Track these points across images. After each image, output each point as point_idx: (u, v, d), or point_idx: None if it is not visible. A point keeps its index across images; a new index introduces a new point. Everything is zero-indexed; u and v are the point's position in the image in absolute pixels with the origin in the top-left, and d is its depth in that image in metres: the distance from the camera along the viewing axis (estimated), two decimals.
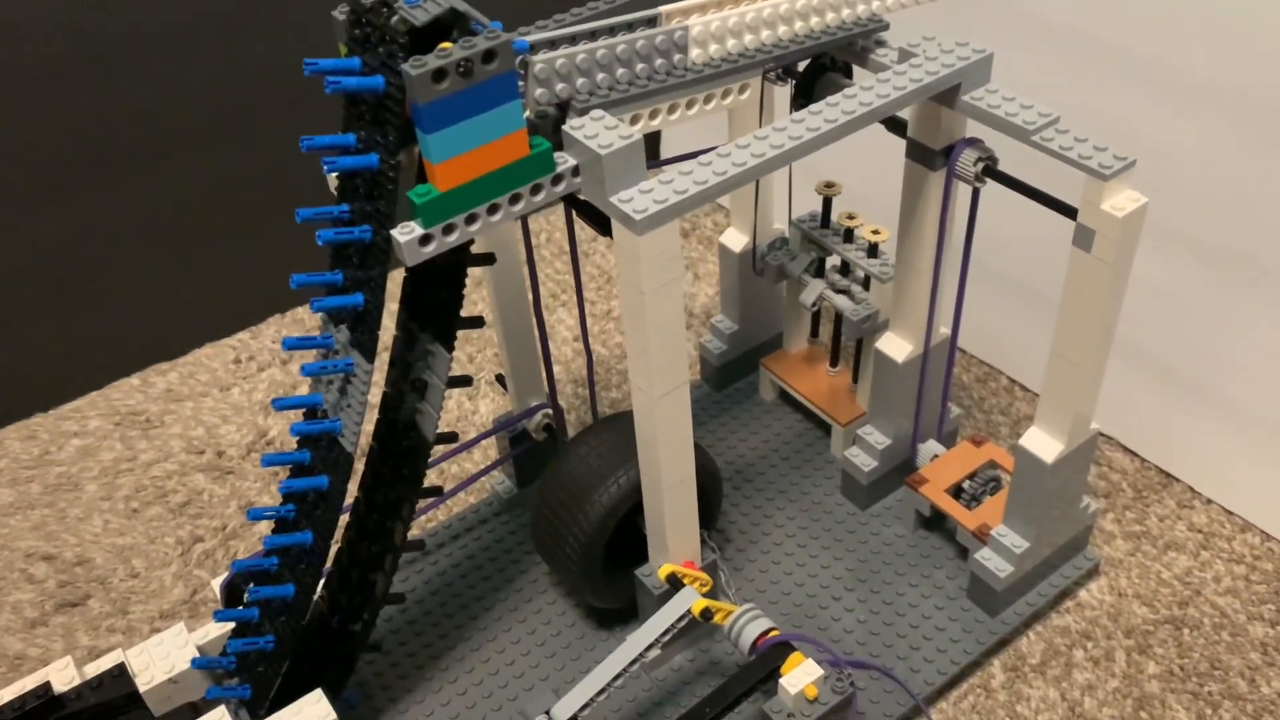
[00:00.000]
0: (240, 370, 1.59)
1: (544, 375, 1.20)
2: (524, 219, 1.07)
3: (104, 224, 1.91)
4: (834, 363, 1.35)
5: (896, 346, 1.16)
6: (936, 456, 1.23)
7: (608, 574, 1.11)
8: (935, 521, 1.23)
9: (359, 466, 0.97)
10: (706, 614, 1.00)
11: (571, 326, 1.61)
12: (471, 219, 0.81)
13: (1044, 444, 1.05)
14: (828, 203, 1.23)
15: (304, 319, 1.68)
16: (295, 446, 0.94)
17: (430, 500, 1.25)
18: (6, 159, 1.89)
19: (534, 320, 1.19)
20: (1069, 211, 0.93)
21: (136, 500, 1.40)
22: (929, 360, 1.16)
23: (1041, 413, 1.05)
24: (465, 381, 0.95)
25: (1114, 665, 1.13)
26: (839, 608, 1.17)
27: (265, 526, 1.36)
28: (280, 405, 0.91)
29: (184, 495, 1.40)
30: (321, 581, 1.02)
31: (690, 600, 1.00)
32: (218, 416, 1.52)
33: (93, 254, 1.86)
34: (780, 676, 0.96)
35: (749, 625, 1.00)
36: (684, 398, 0.94)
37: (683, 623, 1.00)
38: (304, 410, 0.93)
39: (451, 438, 0.96)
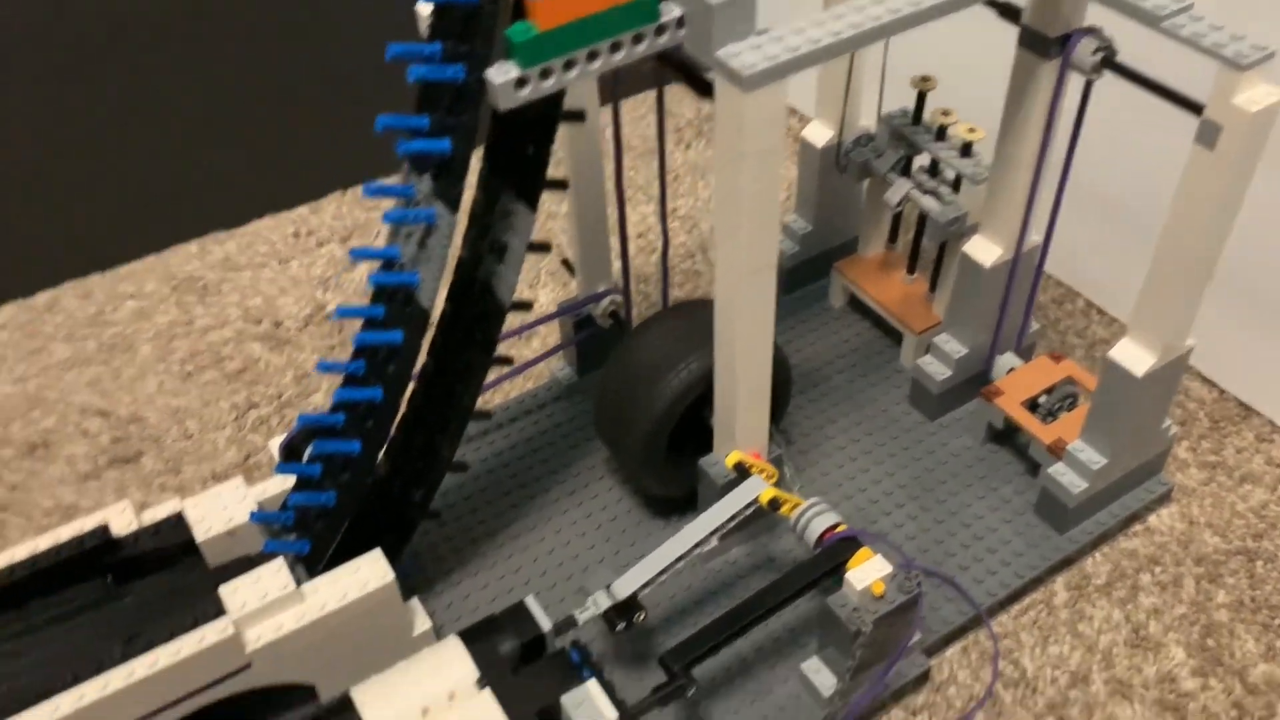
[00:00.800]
0: (299, 244, 1.57)
1: (617, 257, 1.16)
2: (615, 93, 1.03)
3: (172, 89, 1.89)
4: (911, 270, 1.30)
5: (985, 250, 1.12)
6: (1013, 370, 1.20)
7: (670, 462, 1.09)
8: (1006, 435, 1.20)
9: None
10: (774, 504, 0.97)
11: (635, 224, 1.57)
12: (569, 64, 0.77)
13: (1135, 357, 1.01)
14: (921, 98, 1.18)
15: (367, 202, 1.65)
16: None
17: (503, 371, 1.23)
18: (82, 19, 1.87)
19: (610, 200, 1.15)
20: (1194, 107, 0.88)
21: (191, 364, 1.39)
22: (1018, 267, 1.12)
23: (1135, 323, 1.01)
24: (544, 248, 0.92)
25: (1182, 591, 1.10)
26: (901, 515, 1.15)
27: (321, 399, 1.34)
28: (358, 255, 0.88)
29: (239, 362, 1.39)
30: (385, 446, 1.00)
31: (758, 489, 0.98)
32: (275, 288, 1.50)
33: (158, 119, 1.84)
34: (846, 571, 0.94)
35: (817, 519, 0.97)
36: (771, 277, 0.90)
37: (748, 511, 0.98)
38: (380, 263, 0.90)
39: (526, 305, 0.93)
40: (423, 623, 1.01)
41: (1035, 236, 1.12)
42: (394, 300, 0.89)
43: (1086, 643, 1.07)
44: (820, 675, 0.99)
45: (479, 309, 0.93)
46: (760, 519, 1.08)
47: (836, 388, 1.28)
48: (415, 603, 1.02)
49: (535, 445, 1.24)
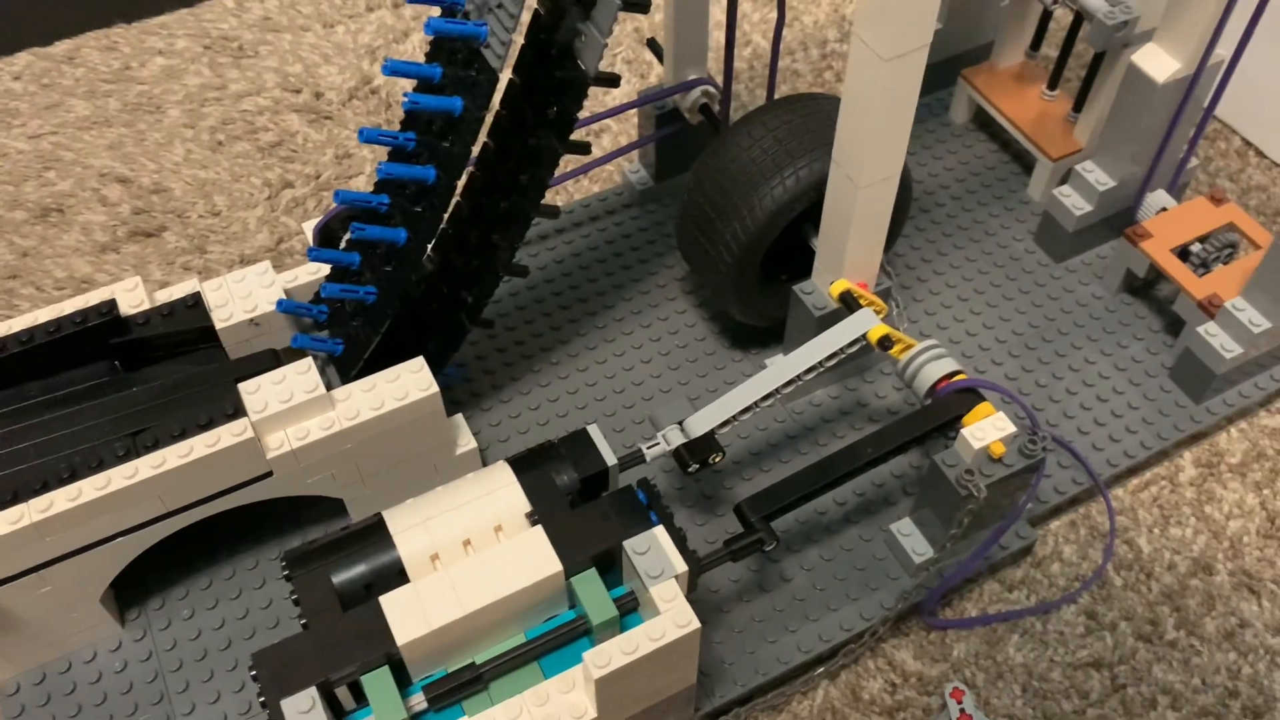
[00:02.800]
0: (347, 7, 1.39)
1: (715, 42, 0.98)
2: None
3: None
4: (1053, 85, 1.12)
5: (1160, 63, 0.93)
6: (1164, 210, 1.02)
7: (761, 286, 0.95)
8: (1146, 286, 1.04)
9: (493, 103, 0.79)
10: (885, 343, 0.83)
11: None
12: None
13: None
14: None
15: None
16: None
17: (575, 165, 1.08)
18: None
19: None
20: None
21: (223, 133, 1.24)
22: (1196, 86, 0.93)
23: None
24: (640, 7, 0.74)
25: None
26: (1014, 366, 1.00)
27: (364, 183, 1.20)
28: None
29: (275, 135, 1.24)
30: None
31: (868, 324, 0.83)
32: (318, 55, 1.33)
33: None
34: (962, 427, 0.80)
35: (932, 364, 0.83)
36: (920, 65, 0.74)
37: (853, 349, 0.84)
38: (441, 9, 0.74)
39: (613, 80, 0.77)
40: (466, 442, 0.90)
41: (1222, 50, 0.93)
42: (455, 59, 0.73)
43: (1213, 527, 0.93)
44: (912, 539, 0.87)
45: (557, 77, 0.77)
46: (856, 360, 0.94)
47: (952, 216, 1.11)
48: (459, 419, 0.90)
49: (600, 256, 1.09)
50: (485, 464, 0.91)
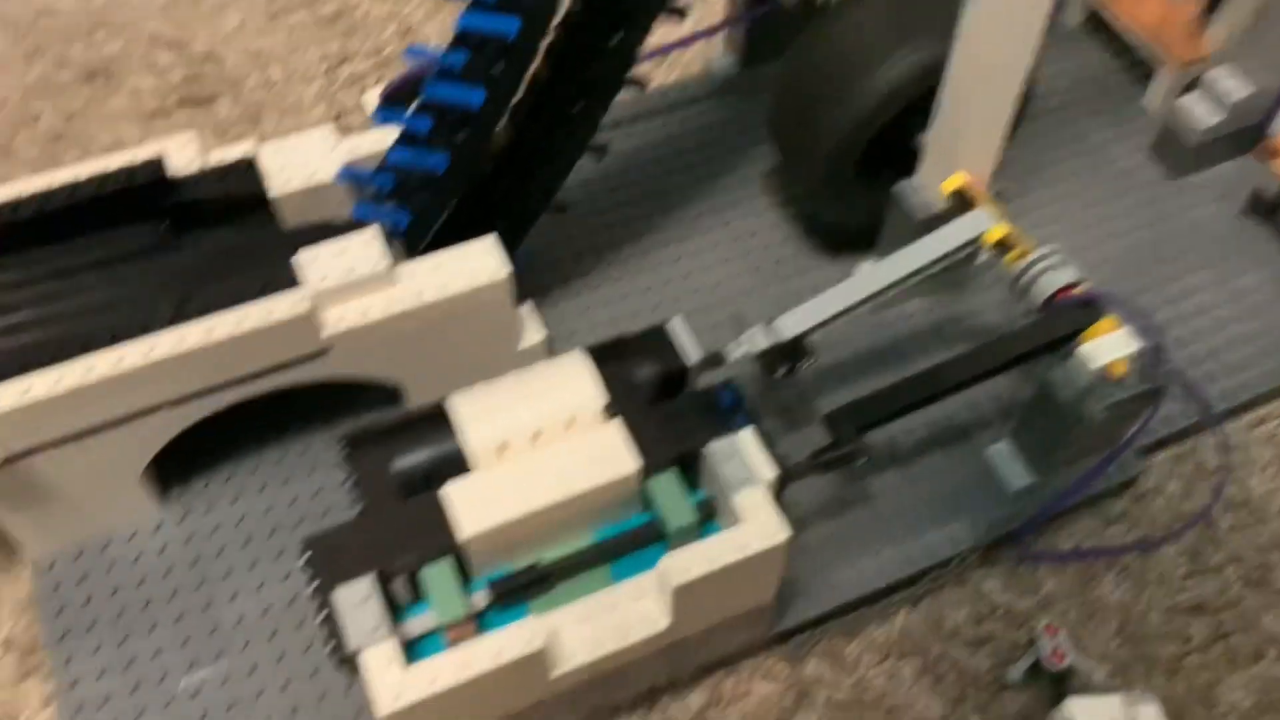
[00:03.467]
0: None
1: None
2: None
3: None
4: None
5: None
6: None
7: (858, 181, 0.87)
8: (1271, 209, 0.95)
9: None
10: (1002, 246, 0.76)
11: None
12: None
13: None
14: None
15: None
16: None
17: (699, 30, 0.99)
18: None
19: None
20: None
21: (280, 2, 1.17)
22: None
23: None
24: None
25: None
26: (1125, 288, 0.92)
27: None
28: None
29: (335, 6, 1.17)
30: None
31: (986, 224, 0.76)
32: None
33: None
34: (1080, 344, 0.73)
35: (1052, 273, 0.76)
36: None
37: (965, 251, 0.76)
38: None
39: None
40: (535, 333, 0.83)
41: None
42: None
43: None
44: (1010, 464, 0.81)
45: None
46: (955, 270, 0.87)
47: (1062, 125, 1.03)
48: (529, 308, 0.84)
49: (679, 148, 1.02)
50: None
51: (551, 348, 0.89)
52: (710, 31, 1.01)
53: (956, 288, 0.92)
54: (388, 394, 0.82)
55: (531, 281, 0.93)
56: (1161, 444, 0.87)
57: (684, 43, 1.01)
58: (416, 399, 0.81)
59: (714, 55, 1.06)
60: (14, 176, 0.99)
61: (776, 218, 0.97)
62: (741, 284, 0.93)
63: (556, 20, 0.74)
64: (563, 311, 0.91)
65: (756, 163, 1.00)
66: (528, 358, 0.83)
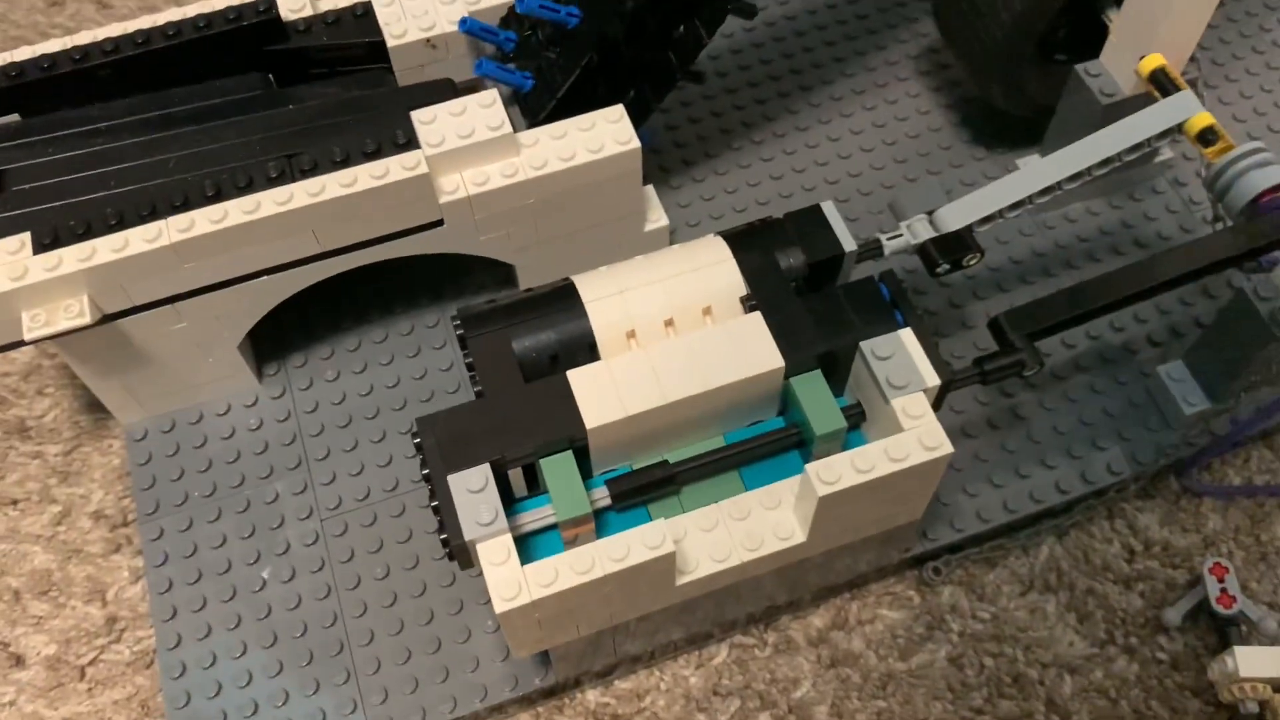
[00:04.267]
0: None
1: None
2: None
3: None
4: None
5: None
6: None
7: (1034, 62, 0.78)
8: None
9: None
10: (1207, 137, 0.66)
11: None
12: None
13: None
14: None
15: None
16: None
17: None
18: None
19: None
20: None
21: None
22: None
23: None
24: None
25: None
26: None
27: None
28: None
29: None
30: None
31: (1190, 110, 0.66)
32: None
33: None
34: None
35: (1259, 170, 0.66)
36: None
37: (1162, 142, 0.67)
38: None
39: None
40: (658, 217, 0.77)
41: None
42: None
43: None
44: (1184, 386, 0.73)
45: None
46: (1130, 170, 0.78)
47: (1263, 8, 0.91)
48: (650, 191, 0.77)
49: (820, 21, 0.93)
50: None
51: (673, 238, 0.82)
52: None
53: (1128, 190, 0.83)
54: (500, 274, 0.76)
55: (655, 162, 0.86)
56: None
57: None
58: (530, 282, 0.75)
59: None
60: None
61: (928, 103, 0.88)
62: (887, 175, 0.85)
63: None
64: (687, 196, 0.84)
65: (908, 43, 0.91)
66: (650, 243, 0.76)
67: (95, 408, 0.78)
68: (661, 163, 0.86)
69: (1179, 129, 0.66)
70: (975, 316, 0.78)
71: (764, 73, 0.90)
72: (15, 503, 0.76)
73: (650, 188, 0.77)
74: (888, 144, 0.86)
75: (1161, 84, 0.68)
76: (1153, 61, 0.69)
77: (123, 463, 0.76)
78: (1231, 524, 0.74)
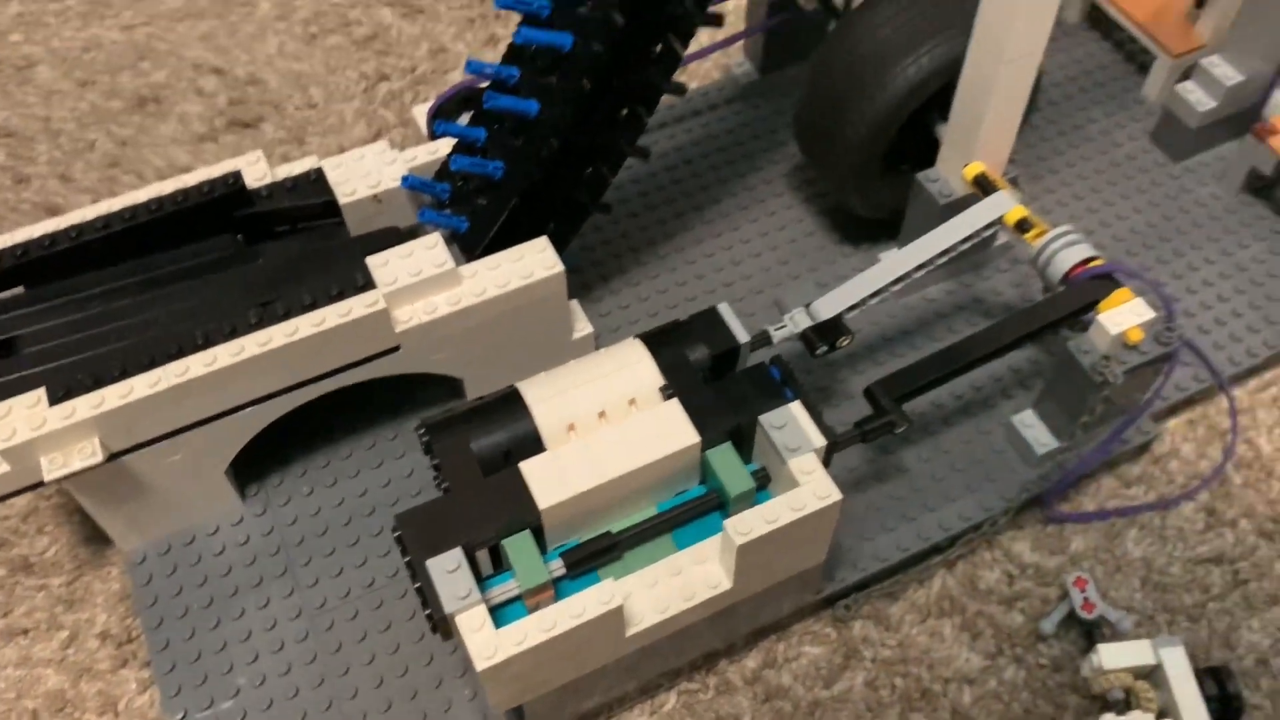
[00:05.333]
0: None
1: None
2: None
3: None
4: None
5: None
6: None
7: (882, 173, 0.93)
8: (1268, 186, 1.01)
9: None
10: (1023, 225, 0.82)
11: None
12: None
13: None
14: None
15: None
16: None
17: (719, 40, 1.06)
18: None
19: None
20: None
21: (315, 26, 1.23)
22: None
23: None
24: None
25: None
26: (1134, 264, 0.98)
27: (459, 78, 1.18)
28: None
29: (369, 28, 1.23)
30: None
31: (1005, 206, 0.81)
32: None
33: None
34: (1098, 313, 0.79)
35: (1069, 249, 0.81)
36: None
37: (988, 232, 0.82)
38: None
39: None
40: (583, 327, 0.89)
41: None
42: None
43: None
44: (1034, 431, 0.86)
45: None
46: (973, 254, 0.93)
47: (1066, 115, 1.09)
48: (576, 305, 0.89)
49: (704, 151, 1.08)
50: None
51: (598, 342, 0.94)
52: (730, 40, 1.06)
53: (975, 270, 0.98)
54: (449, 388, 0.88)
55: (577, 280, 0.99)
56: (1175, 410, 0.93)
57: (704, 53, 1.07)
58: (477, 392, 0.87)
59: (732, 63, 1.12)
60: (76, 202, 1.05)
61: (802, 212, 1.03)
62: (772, 275, 0.99)
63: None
64: (606, 306, 0.97)
65: (779, 163, 1.06)
66: (578, 349, 0.89)
67: (92, 541, 0.87)
68: (583, 280, 0.99)
69: (1000, 221, 0.82)
70: (858, 387, 0.92)
71: (661, 198, 1.04)
72: (26, 632, 0.84)
73: (575, 302, 0.90)
74: (771, 249, 1.00)
75: (983, 186, 0.84)
76: (974, 169, 0.85)
77: (122, 587, 0.85)
78: (1091, 544, 0.87)
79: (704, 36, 1.21)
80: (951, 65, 0.84)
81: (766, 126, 1.09)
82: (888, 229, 0.99)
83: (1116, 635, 0.82)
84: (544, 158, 0.82)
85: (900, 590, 0.85)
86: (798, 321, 0.81)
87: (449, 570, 0.67)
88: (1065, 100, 1.10)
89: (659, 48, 0.79)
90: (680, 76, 1.17)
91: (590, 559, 0.71)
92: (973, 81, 0.82)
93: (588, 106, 0.83)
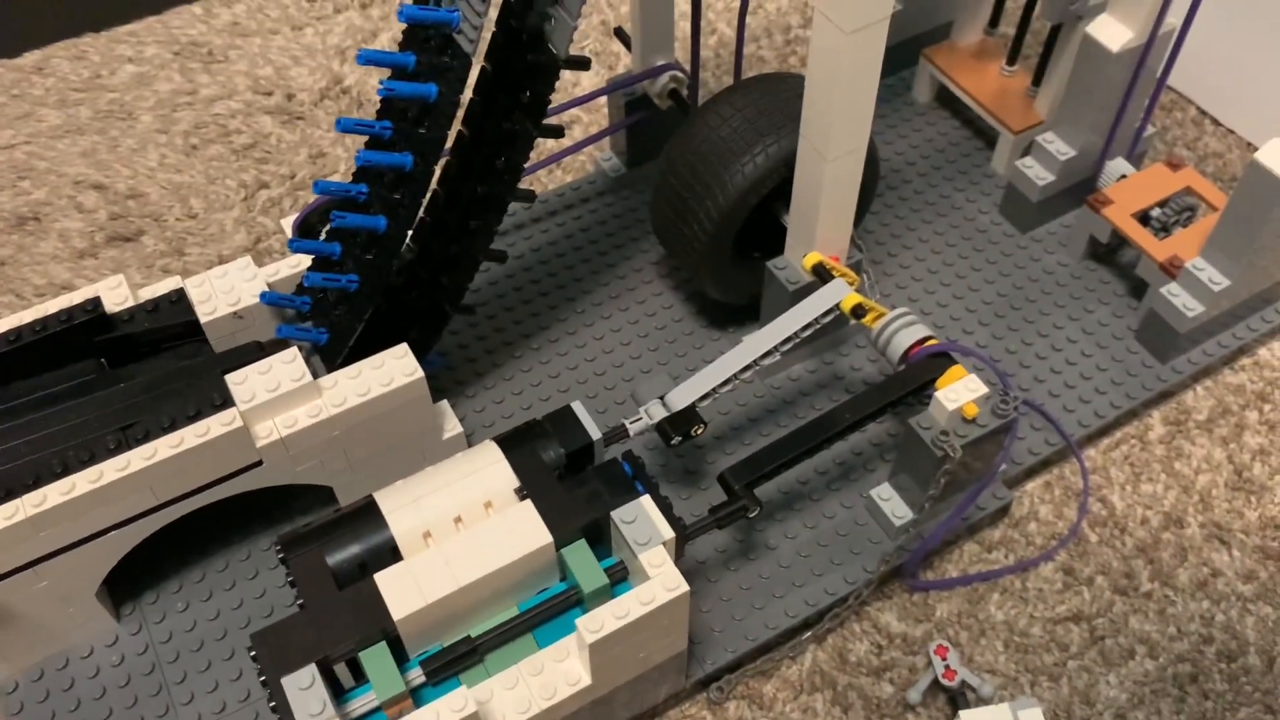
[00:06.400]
0: (314, 9, 1.40)
1: (678, 28, 1.00)
2: None
3: None
4: (1012, 60, 1.14)
5: (1113, 32, 0.96)
6: (1124, 177, 1.05)
7: (735, 263, 0.96)
8: (1109, 252, 1.07)
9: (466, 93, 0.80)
10: (858, 311, 0.85)
11: None
12: None
13: None
14: None
15: None
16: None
17: (556, 149, 1.10)
18: None
19: None
20: None
21: (196, 137, 1.25)
22: (1149, 54, 0.96)
23: None
24: None
25: None
26: (985, 335, 1.03)
27: (343, 175, 1.21)
28: None
29: (249, 137, 1.25)
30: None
31: (841, 293, 0.85)
32: (288, 57, 1.34)
33: None
34: (935, 390, 0.83)
35: (905, 330, 0.85)
36: (880, 37, 0.76)
37: (828, 318, 0.86)
38: None
39: (584, 63, 0.79)
40: (452, 426, 0.91)
41: (1172, 19, 0.96)
42: (428, 46, 0.75)
43: (1183, 482, 0.96)
44: (891, 503, 0.90)
45: (528, 62, 0.78)
46: (830, 334, 0.97)
47: (919, 192, 1.14)
48: (444, 405, 0.92)
49: (577, 243, 1.11)
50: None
51: (471, 438, 0.96)
52: (598, 136, 1.10)
53: (835, 349, 1.02)
54: (322, 494, 0.89)
55: (450, 378, 1.01)
56: (1031, 473, 0.97)
57: (576, 148, 1.11)
58: (347, 498, 0.88)
59: (603, 157, 1.16)
60: None
61: (670, 299, 1.06)
62: (642, 362, 1.02)
63: (448, 146, 0.83)
64: (481, 402, 0.99)
65: (649, 252, 1.10)
66: (448, 450, 0.90)
67: None
68: (457, 376, 1.01)
69: (837, 308, 0.85)
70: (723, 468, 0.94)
71: (535, 291, 1.07)
72: None
73: (444, 402, 0.92)
74: (642, 336, 1.04)
75: (821, 274, 0.88)
76: (812, 258, 0.89)
77: None
78: (955, 609, 0.90)
79: (578, 132, 1.25)
80: (787, 161, 0.88)
81: (636, 217, 1.13)
82: (752, 312, 1.02)
83: (980, 700, 0.85)
84: (400, 268, 0.85)
85: (773, 668, 0.87)
86: (653, 414, 0.84)
87: (303, 687, 0.68)
88: (919, 177, 1.15)
89: (501, 161, 0.82)
90: (554, 171, 1.21)
91: (450, 665, 0.72)
92: (804, 178, 0.86)
93: (440, 217, 0.86)
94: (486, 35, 0.79)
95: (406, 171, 0.78)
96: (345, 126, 0.77)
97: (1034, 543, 0.93)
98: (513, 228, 1.12)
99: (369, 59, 0.74)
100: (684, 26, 1.32)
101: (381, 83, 0.74)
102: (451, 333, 1.03)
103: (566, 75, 1.31)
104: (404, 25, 0.74)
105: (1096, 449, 0.99)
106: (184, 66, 1.33)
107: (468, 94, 0.81)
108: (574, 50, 1.30)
